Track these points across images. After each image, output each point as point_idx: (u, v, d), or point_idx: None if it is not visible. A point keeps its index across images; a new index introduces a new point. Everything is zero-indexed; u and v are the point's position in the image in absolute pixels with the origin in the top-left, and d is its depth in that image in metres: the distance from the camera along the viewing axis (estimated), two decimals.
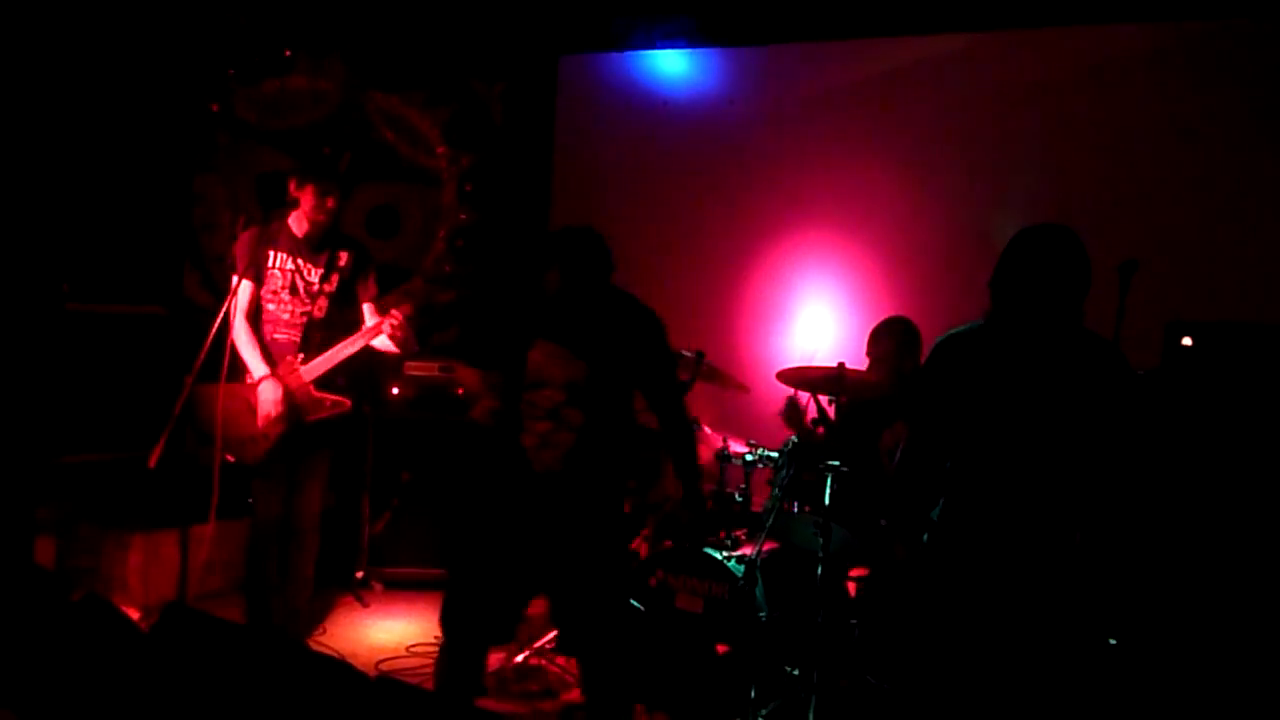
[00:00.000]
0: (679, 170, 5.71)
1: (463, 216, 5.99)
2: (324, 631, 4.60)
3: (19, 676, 2.59)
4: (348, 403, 3.98)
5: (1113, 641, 3.39)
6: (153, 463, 3.64)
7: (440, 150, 6.01)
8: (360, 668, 2.50)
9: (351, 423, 4.16)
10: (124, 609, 2.89)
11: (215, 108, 6.14)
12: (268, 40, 6.05)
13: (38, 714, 2.52)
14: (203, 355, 3.70)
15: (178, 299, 6.14)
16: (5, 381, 4.52)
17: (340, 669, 2.45)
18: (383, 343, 3.92)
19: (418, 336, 3.94)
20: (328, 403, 3.93)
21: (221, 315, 3.65)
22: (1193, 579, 3.47)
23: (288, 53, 6.04)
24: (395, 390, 5.27)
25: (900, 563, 3.77)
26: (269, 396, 3.85)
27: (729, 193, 5.56)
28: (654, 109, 5.78)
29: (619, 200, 5.80)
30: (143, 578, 4.64)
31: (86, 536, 4.75)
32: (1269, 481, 3.44)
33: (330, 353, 3.90)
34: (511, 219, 6.07)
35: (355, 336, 3.90)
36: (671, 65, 5.76)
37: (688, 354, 4.39)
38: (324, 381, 3.93)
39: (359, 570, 5.09)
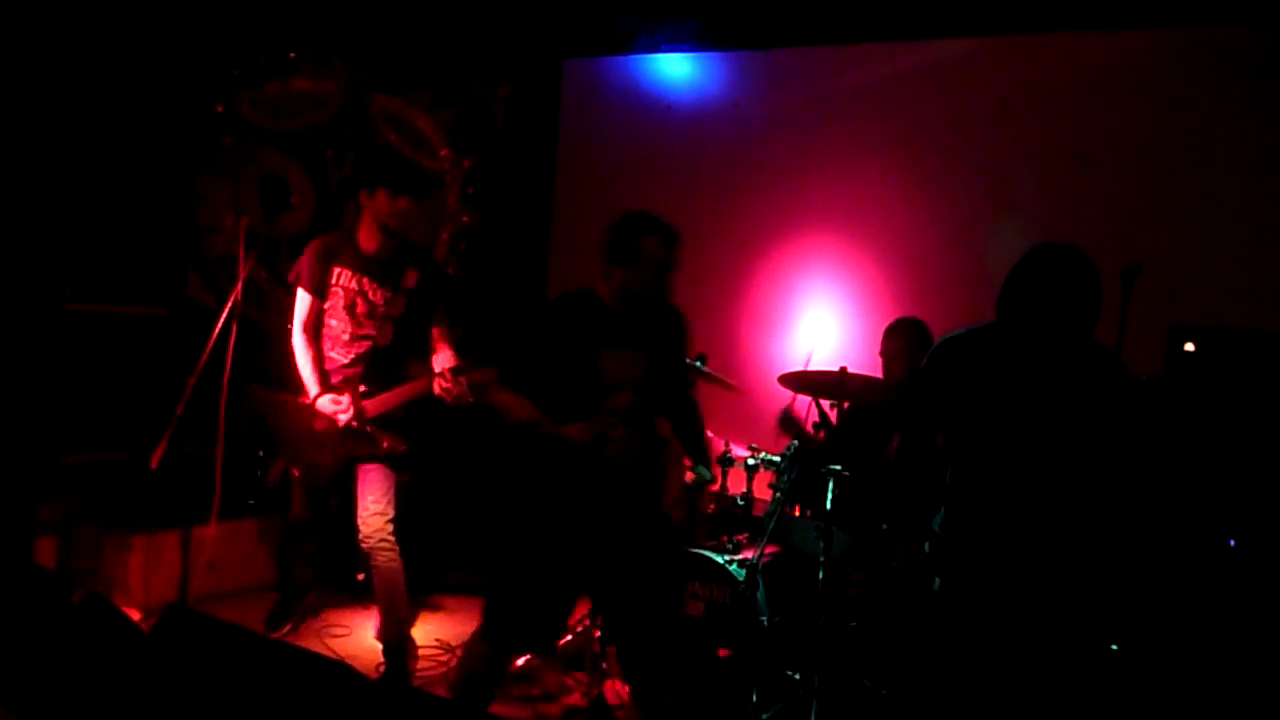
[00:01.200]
0: (682, 173, 5.70)
1: (466, 219, 5.99)
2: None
3: (19, 676, 2.59)
4: (402, 447, 3.86)
5: (1114, 647, 3.38)
6: (154, 463, 3.65)
7: (444, 153, 6.01)
8: (361, 670, 2.50)
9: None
10: (125, 610, 2.88)
11: (219, 109, 6.16)
12: (272, 42, 6.06)
13: (38, 714, 2.51)
14: (205, 357, 3.71)
15: (180, 300, 6.15)
16: (7, 381, 4.52)
17: (341, 671, 2.44)
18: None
19: (473, 390, 3.72)
20: (384, 443, 3.82)
21: (224, 317, 3.65)
22: (1194, 585, 3.46)
23: (292, 54, 6.05)
24: None
25: (898, 571, 3.76)
26: (328, 409, 3.79)
27: (732, 196, 5.56)
28: (657, 112, 5.77)
29: (622, 203, 5.76)
30: (144, 579, 4.64)
31: (87, 537, 4.74)
32: (1271, 487, 3.43)
33: (391, 394, 3.80)
34: (515, 222, 6.08)
35: (414, 386, 3.78)
36: (675, 68, 5.76)
37: (689, 361, 4.38)
38: (382, 418, 3.81)
39: (359, 573, 5.08)
